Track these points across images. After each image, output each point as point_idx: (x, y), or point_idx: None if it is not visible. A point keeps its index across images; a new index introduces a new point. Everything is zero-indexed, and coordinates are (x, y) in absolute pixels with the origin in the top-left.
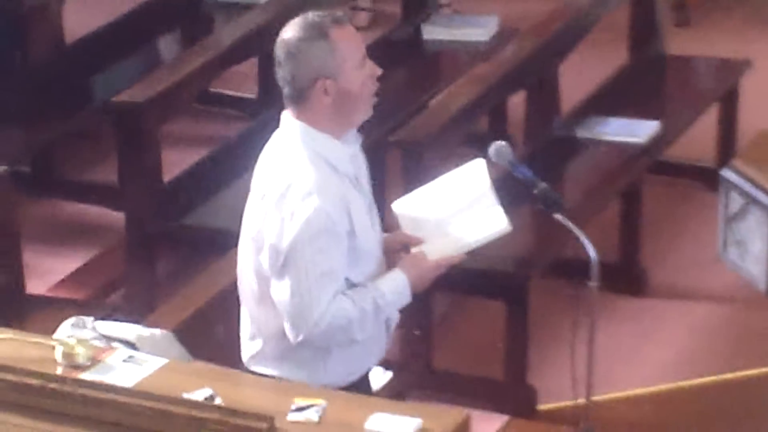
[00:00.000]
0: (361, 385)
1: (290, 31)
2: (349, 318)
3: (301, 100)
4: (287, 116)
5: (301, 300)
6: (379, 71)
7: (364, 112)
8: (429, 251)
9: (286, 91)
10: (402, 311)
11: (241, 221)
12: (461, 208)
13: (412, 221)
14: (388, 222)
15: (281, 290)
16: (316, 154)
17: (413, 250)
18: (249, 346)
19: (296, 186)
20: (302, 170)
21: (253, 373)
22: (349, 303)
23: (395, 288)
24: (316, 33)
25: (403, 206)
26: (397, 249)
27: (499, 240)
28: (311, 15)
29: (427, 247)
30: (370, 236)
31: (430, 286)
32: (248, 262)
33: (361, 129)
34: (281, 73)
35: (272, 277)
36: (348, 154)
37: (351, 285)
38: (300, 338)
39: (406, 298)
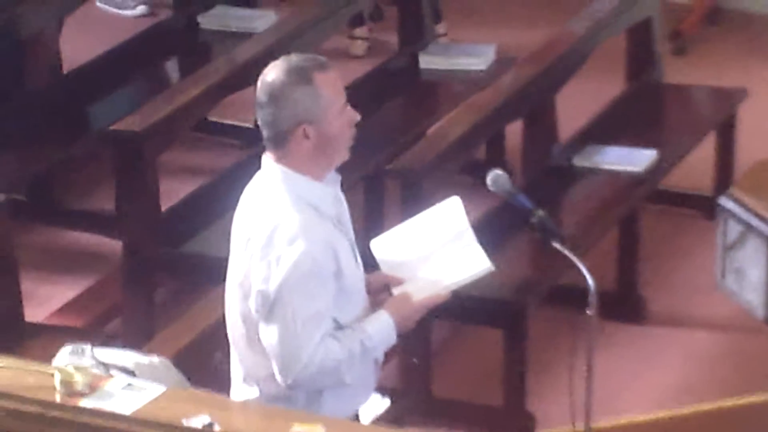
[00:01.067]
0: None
1: (273, 74)
2: (337, 360)
3: (281, 143)
4: (267, 160)
5: (289, 344)
6: (357, 117)
7: (342, 156)
8: (410, 291)
9: (265, 133)
10: (401, 339)
11: None
12: (440, 248)
13: (391, 261)
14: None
15: (269, 335)
16: (298, 198)
17: (394, 290)
18: (241, 390)
19: (281, 231)
20: (286, 214)
21: None
22: (337, 345)
23: (381, 329)
24: (301, 78)
25: (380, 246)
26: (378, 289)
27: (498, 268)
28: (295, 58)
29: (408, 287)
30: (357, 277)
31: (419, 321)
32: (235, 308)
33: (339, 169)
34: (262, 116)
35: (260, 322)
36: (330, 195)
37: (339, 326)
38: (290, 382)
39: (392, 339)
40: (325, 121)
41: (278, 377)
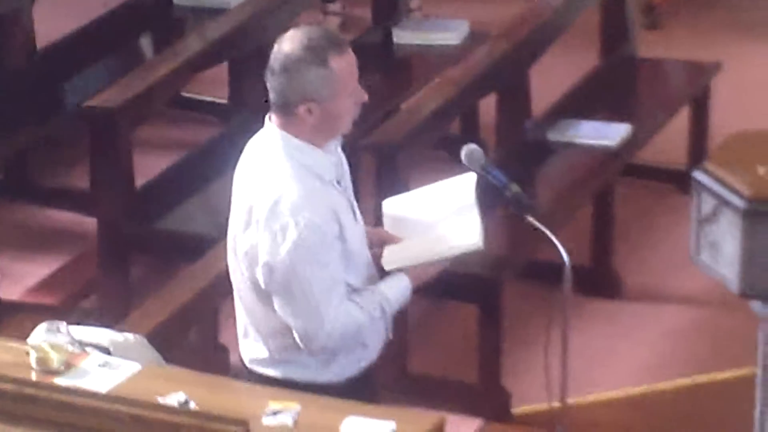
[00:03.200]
0: (368, 378)
1: (290, 46)
2: (358, 324)
3: (285, 112)
4: (270, 124)
5: (310, 315)
6: (365, 98)
7: (343, 130)
8: (402, 252)
9: (272, 97)
10: None
11: (215, 226)
12: (443, 217)
13: (395, 221)
14: (366, 221)
15: (288, 309)
16: (300, 165)
17: (386, 248)
18: (249, 348)
19: (284, 200)
20: (288, 184)
21: (254, 374)
22: (357, 310)
23: (399, 291)
24: (316, 58)
25: (391, 205)
26: (374, 244)
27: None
28: (315, 34)
29: (400, 248)
30: (359, 238)
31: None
32: (244, 276)
33: None
34: (272, 82)
35: (274, 295)
36: (331, 162)
37: (353, 289)
38: (315, 349)
39: (407, 299)
40: (332, 103)
41: (303, 346)
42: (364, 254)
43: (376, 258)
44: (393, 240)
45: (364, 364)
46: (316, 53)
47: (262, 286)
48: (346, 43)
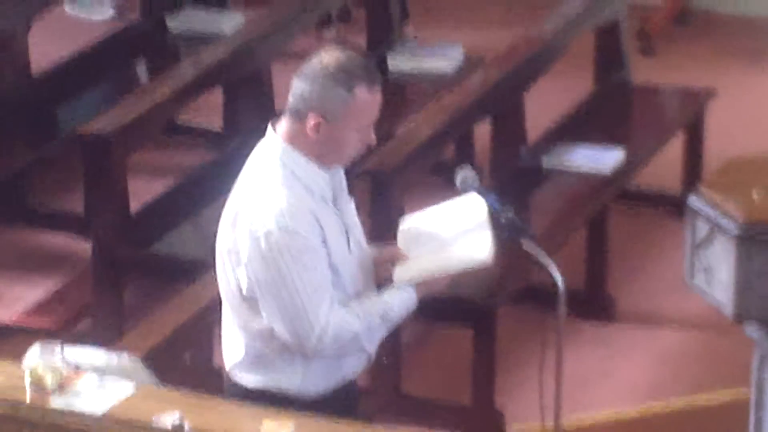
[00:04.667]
0: (349, 392)
1: (327, 59)
2: (354, 332)
3: (296, 117)
4: (273, 134)
5: (298, 321)
6: (373, 142)
7: (338, 162)
8: (412, 266)
9: (291, 100)
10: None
11: (209, 250)
12: (456, 234)
13: (408, 238)
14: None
15: (276, 315)
16: (291, 174)
17: (397, 265)
18: (230, 353)
19: (269, 206)
20: (275, 190)
21: (232, 383)
22: (354, 317)
23: (402, 300)
24: (345, 81)
25: (406, 223)
26: (385, 261)
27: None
28: (356, 60)
29: (411, 263)
30: (345, 258)
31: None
32: (228, 275)
33: None
34: (296, 84)
35: (261, 302)
36: (325, 179)
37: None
38: (311, 354)
39: (412, 309)
40: (341, 129)
41: (297, 351)
42: (355, 281)
43: (388, 273)
44: (402, 257)
45: (344, 378)
46: (347, 76)
47: (243, 290)
48: (379, 82)
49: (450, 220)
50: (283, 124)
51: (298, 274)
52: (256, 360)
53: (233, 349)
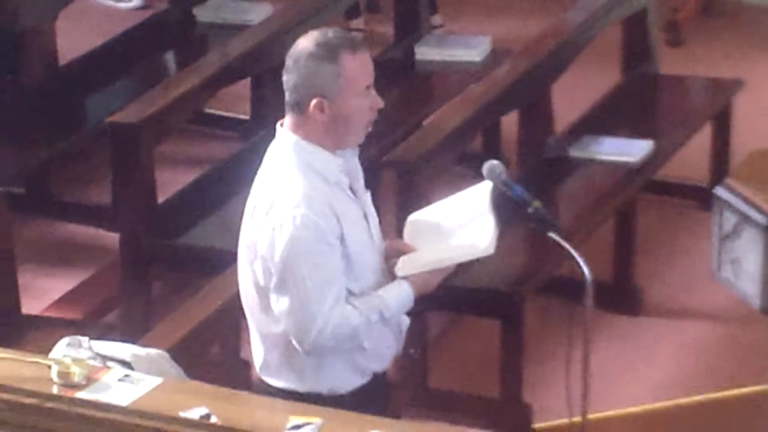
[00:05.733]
0: (375, 388)
1: (304, 43)
2: (353, 327)
3: (298, 110)
4: (282, 129)
5: (302, 312)
6: (381, 104)
7: (355, 138)
8: (415, 259)
9: (287, 96)
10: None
11: (236, 242)
12: (458, 225)
13: (414, 232)
14: (387, 236)
15: (281, 303)
16: (305, 164)
17: (402, 258)
18: (258, 355)
19: (284, 196)
20: (290, 180)
21: (264, 384)
22: (354, 312)
23: (400, 297)
24: (327, 54)
25: (413, 218)
26: (391, 256)
27: (494, 259)
28: (331, 33)
29: (415, 256)
30: (366, 246)
31: (429, 296)
32: (246, 272)
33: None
34: (285, 80)
35: (271, 291)
36: (338, 164)
37: (353, 294)
38: (307, 348)
39: (409, 306)
40: (342, 101)
41: (296, 344)
42: (376, 267)
43: (391, 269)
44: (409, 250)
45: (365, 371)
46: (327, 49)
47: (260, 282)
48: (362, 43)
49: (453, 213)
50: (288, 121)
51: (307, 267)
52: (281, 365)
53: (258, 353)
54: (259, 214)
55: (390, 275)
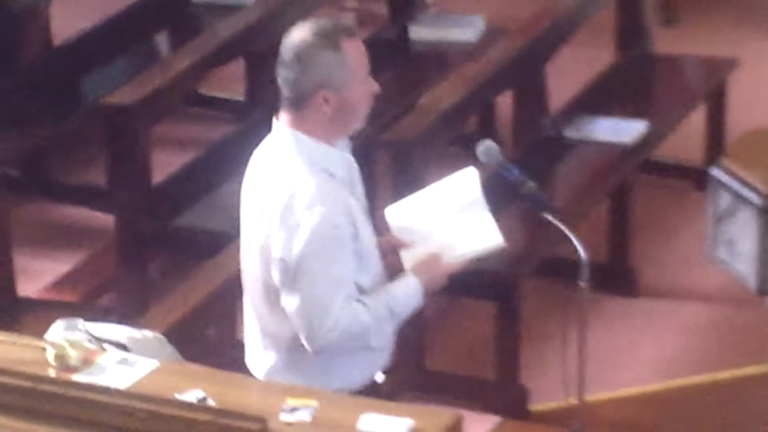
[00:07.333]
0: (371, 388)
1: (301, 35)
2: (363, 325)
3: (300, 105)
4: (279, 124)
5: (312, 310)
6: (377, 88)
7: (358, 123)
8: (420, 255)
9: (285, 92)
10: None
11: (232, 223)
12: (452, 216)
13: (403, 229)
14: (378, 225)
15: (293, 302)
16: (312, 163)
17: (403, 252)
18: (262, 359)
19: (299, 196)
20: (303, 180)
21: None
22: (364, 310)
23: (408, 293)
24: (328, 42)
25: (394, 214)
26: (386, 251)
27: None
28: (322, 22)
29: (420, 250)
30: (371, 239)
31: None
32: (256, 275)
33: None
34: (284, 74)
35: (282, 290)
36: (343, 159)
37: (362, 290)
38: (316, 347)
39: (418, 302)
40: (347, 89)
41: (305, 343)
42: (377, 260)
43: (390, 266)
44: (404, 245)
45: (372, 373)
46: (327, 37)
47: (275, 283)
48: (355, 29)
49: (441, 204)
50: (286, 117)
51: (321, 266)
52: (287, 368)
53: (264, 356)
54: (273, 215)
55: (389, 270)
